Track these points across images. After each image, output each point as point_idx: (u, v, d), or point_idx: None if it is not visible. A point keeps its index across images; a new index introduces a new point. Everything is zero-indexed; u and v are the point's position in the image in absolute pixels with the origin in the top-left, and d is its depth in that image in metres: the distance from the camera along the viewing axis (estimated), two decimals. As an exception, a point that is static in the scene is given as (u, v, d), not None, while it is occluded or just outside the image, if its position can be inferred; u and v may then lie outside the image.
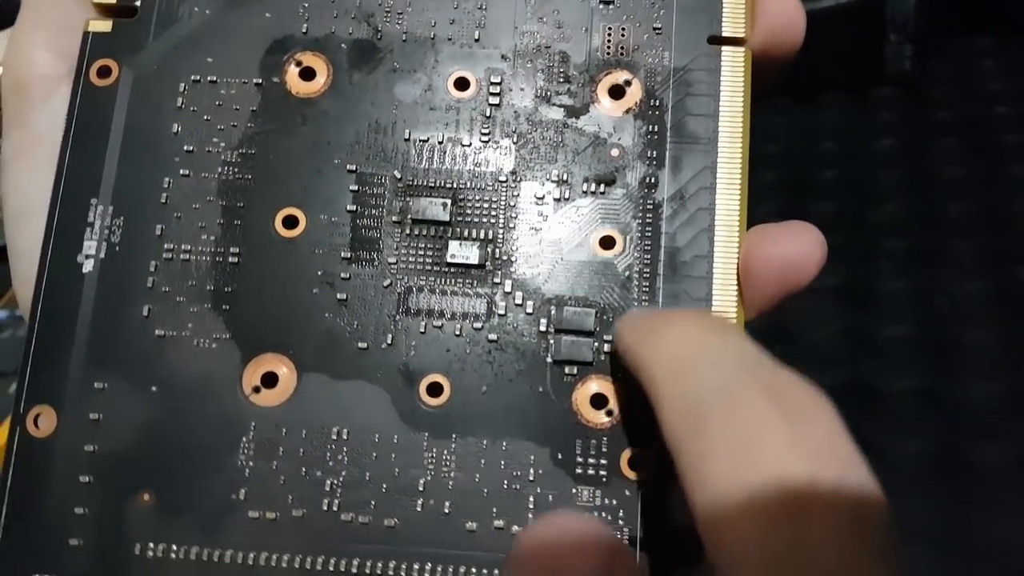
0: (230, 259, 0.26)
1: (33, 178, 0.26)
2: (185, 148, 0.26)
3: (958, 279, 0.60)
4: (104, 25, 0.27)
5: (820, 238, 0.24)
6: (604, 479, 0.24)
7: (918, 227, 0.63)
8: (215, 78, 0.26)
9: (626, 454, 0.24)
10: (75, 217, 0.26)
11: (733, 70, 0.26)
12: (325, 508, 0.24)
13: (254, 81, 0.27)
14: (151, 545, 0.24)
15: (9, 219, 0.27)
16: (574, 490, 0.24)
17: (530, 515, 0.24)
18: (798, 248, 0.24)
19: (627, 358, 0.22)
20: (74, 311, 0.25)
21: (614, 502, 0.24)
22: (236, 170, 0.26)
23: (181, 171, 0.26)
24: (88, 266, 0.25)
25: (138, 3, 0.27)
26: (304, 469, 0.24)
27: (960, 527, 0.50)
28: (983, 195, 0.63)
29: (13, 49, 0.27)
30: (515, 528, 0.24)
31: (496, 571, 0.24)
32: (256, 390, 0.25)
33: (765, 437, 0.17)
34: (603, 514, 0.24)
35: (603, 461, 0.24)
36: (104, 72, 0.26)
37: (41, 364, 0.25)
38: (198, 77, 0.27)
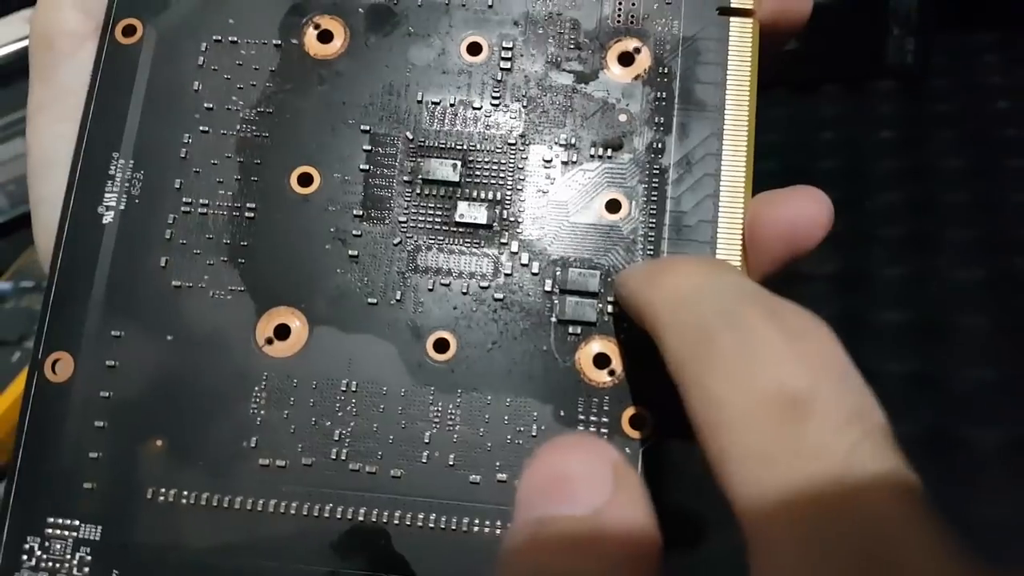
0: (246, 214, 0.25)
1: (57, 130, 0.26)
2: (205, 106, 0.26)
3: (953, 266, 0.59)
4: None
5: (827, 202, 0.24)
6: (605, 436, 0.24)
7: (915, 216, 0.62)
8: (236, 38, 0.26)
9: (628, 413, 0.24)
10: (97, 170, 0.25)
11: (741, 40, 0.25)
12: (333, 457, 0.24)
13: (273, 42, 0.26)
14: (162, 490, 0.24)
15: (32, 169, 0.26)
16: None
17: None
18: (805, 211, 0.24)
19: (630, 304, 0.22)
20: (93, 261, 0.25)
21: None
22: (254, 128, 0.26)
23: (201, 128, 0.26)
24: (108, 217, 0.25)
25: None
26: (314, 419, 0.24)
27: (952, 508, 0.50)
28: (981, 186, 0.62)
29: (42, 7, 0.27)
30: (517, 482, 0.24)
31: (499, 522, 0.23)
32: (269, 341, 0.25)
33: (767, 351, 0.17)
34: (603, 469, 0.24)
35: (604, 419, 0.24)
36: (129, 31, 0.26)
37: (60, 311, 0.25)
38: (220, 37, 0.26)
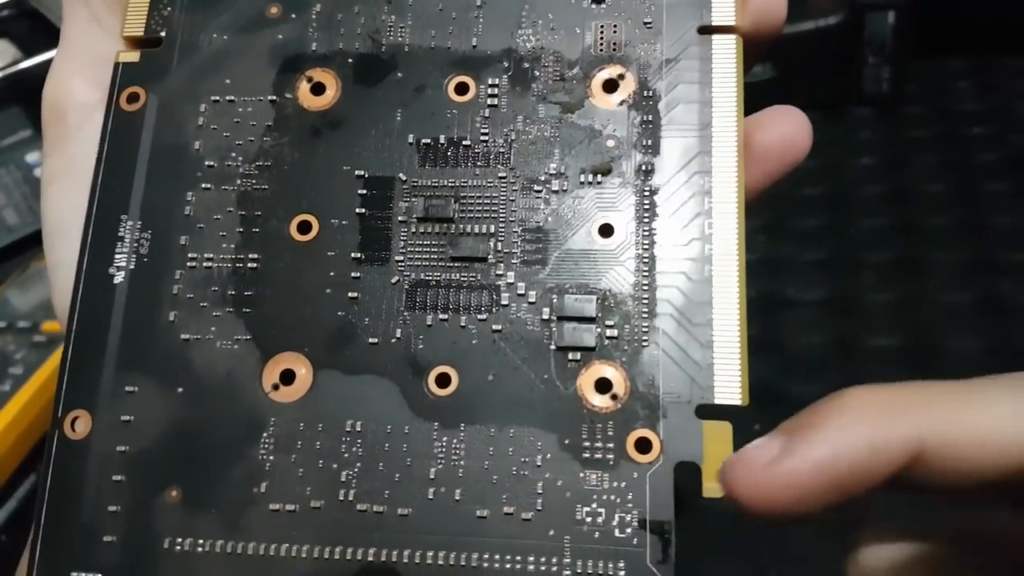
0: (249, 265, 0.21)
1: (70, 198, 0.22)
2: (206, 163, 0.22)
3: (942, 289, 0.52)
4: (133, 56, 0.23)
5: (805, 118, 0.21)
6: (611, 462, 0.19)
7: (900, 240, 0.55)
8: (233, 97, 0.22)
9: (633, 437, 0.19)
10: (107, 233, 0.22)
11: (724, 57, 0.21)
12: (341, 499, 0.20)
13: (268, 98, 0.22)
14: (179, 540, 0.20)
15: (48, 235, 0.23)
16: (582, 474, 0.19)
17: (539, 501, 0.19)
18: (793, 129, 0.21)
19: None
20: (106, 321, 0.21)
21: (622, 484, 0.19)
22: (253, 181, 0.22)
23: (203, 185, 0.22)
24: (119, 278, 0.21)
25: (163, 34, 0.23)
26: (321, 462, 0.20)
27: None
28: (963, 210, 0.55)
29: (53, 81, 0.23)
30: (524, 515, 0.19)
31: (508, 556, 0.19)
32: (275, 387, 0.21)
33: None
34: (612, 497, 0.19)
35: (610, 444, 0.19)
36: (133, 98, 0.23)
37: (77, 371, 0.21)
38: (218, 97, 0.22)
